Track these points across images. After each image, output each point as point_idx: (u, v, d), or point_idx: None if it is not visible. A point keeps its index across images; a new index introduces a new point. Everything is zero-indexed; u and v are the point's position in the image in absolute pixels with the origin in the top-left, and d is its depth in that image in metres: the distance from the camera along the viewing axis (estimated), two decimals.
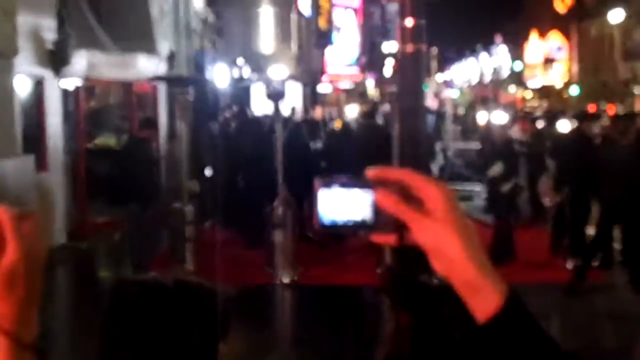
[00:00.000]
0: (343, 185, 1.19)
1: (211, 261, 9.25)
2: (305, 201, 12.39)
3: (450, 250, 1.16)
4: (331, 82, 44.16)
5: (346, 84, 48.16)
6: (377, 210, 1.18)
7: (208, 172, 12.82)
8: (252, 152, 12.54)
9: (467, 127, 31.58)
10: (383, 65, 58.33)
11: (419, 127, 6.46)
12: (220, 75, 22.29)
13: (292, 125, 13.67)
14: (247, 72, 28.96)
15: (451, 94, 43.10)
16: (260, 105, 21.36)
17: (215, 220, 12.87)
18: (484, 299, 1.16)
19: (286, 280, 11.07)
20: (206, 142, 12.82)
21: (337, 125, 14.37)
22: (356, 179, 1.19)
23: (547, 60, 55.65)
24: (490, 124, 17.23)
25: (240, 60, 28.20)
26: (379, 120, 15.31)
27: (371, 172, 1.18)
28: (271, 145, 11.93)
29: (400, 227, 1.18)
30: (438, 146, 21.18)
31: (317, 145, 13.46)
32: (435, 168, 18.46)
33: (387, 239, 1.20)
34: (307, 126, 13.86)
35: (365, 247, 11.05)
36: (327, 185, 1.19)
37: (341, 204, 1.19)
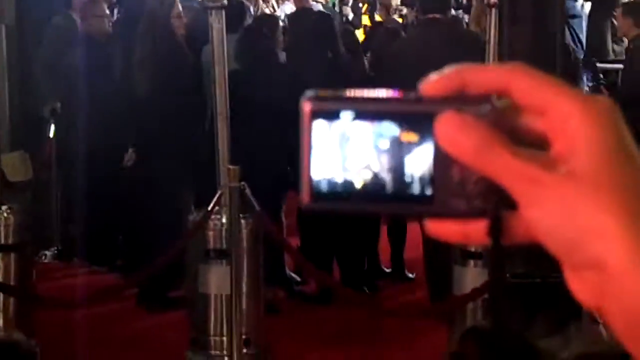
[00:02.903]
0: (363, 112, 0.59)
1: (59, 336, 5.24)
2: (281, 199, 6.08)
3: (603, 243, 0.56)
4: None
5: None
6: (442, 162, 0.59)
7: (52, 132, 6.08)
8: (156, 88, 5.79)
9: None
10: None
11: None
12: None
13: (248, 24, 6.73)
14: None
15: None
16: None
17: (70, 245, 6.41)
18: None
19: None
20: (49, 62, 6.03)
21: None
22: (393, 100, 0.60)
23: None
24: None
25: None
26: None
27: (432, 81, 0.59)
28: (198, 73, 5.77)
29: (494, 200, 0.59)
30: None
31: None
32: None
33: (463, 230, 0.60)
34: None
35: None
36: (329, 112, 0.59)
37: (359, 153, 0.60)
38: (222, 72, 5.16)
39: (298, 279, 6.75)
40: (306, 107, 0.60)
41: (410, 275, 6.83)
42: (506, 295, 4.50)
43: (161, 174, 5.92)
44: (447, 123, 0.59)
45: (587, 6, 9.99)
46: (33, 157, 5.53)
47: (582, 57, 8.79)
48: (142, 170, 5.95)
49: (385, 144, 0.60)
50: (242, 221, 5.04)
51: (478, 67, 0.60)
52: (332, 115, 0.60)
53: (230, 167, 5.09)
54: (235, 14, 6.24)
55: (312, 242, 6.37)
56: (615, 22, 9.67)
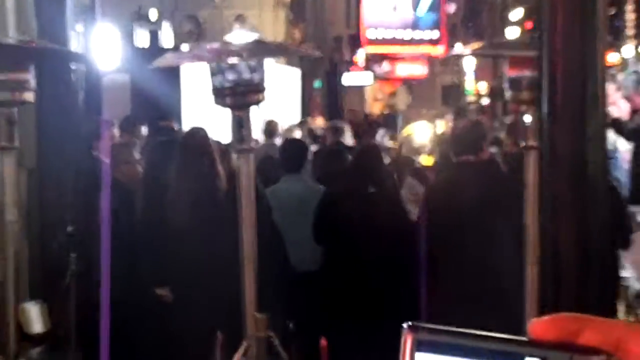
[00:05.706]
0: (470, 349, 0.59)
1: None
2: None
3: None
4: (372, 62, 21.89)
5: (410, 69, 24.26)
6: None
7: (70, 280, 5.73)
8: (187, 231, 5.52)
9: None
10: (501, 21, 26.80)
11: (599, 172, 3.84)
12: (105, 46, 10.38)
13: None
14: (170, 37, 14.78)
15: None
16: (204, 116, 9.45)
17: None
18: None
19: None
20: (73, 210, 5.67)
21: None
22: (502, 340, 0.59)
23: None
24: None
25: (153, 12, 14.99)
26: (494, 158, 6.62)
27: (543, 321, 0.59)
28: (232, 214, 5.10)
29: None
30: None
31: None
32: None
33: None
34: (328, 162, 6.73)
35: None
36: (433, 344, 0.60)
37: None
38: (250, 215, 5.00)
39: None
40: (409, 336, 0.61)
41: None
42: None
43: (192, 320, 5.64)
44: None
45: (620, 144, 9.20)
46: (51, 308, 5.26)
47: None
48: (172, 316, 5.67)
49: None
50: None
51: (593, 319, 0.59)
52: (436, 348, 0.60)
53: (257, 315, 4.83)
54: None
55: None
56: None
